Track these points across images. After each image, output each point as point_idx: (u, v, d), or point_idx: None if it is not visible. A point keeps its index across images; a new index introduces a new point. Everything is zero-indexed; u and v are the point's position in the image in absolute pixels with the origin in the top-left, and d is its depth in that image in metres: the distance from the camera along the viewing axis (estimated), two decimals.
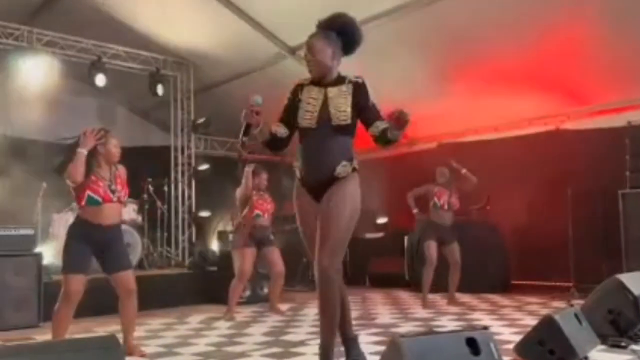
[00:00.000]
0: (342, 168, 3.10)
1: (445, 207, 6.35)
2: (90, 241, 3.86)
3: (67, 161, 3.86)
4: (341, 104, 3.11)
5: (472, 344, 2.73)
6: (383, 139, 3.12)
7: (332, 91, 3.15)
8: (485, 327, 2.85)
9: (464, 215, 7.33)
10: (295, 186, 3.23)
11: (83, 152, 3.80)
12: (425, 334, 3.05)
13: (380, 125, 3.11)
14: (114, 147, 4.00)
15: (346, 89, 3.15)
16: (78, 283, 3.78)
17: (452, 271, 6.35)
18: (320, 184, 3.10)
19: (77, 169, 3.77)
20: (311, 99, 3.15)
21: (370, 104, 3.15)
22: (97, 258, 3.97)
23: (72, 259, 3.84)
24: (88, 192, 3.84)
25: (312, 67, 3.17)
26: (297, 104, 3.19)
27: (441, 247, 6.33)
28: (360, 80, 3.18)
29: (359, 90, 3.15)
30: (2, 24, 7.58)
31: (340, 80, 3.19)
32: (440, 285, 6.55)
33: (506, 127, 8.03)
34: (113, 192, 3.92)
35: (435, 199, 6.38)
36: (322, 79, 3.19)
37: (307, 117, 3.13)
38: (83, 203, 3.86)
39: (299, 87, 3.23)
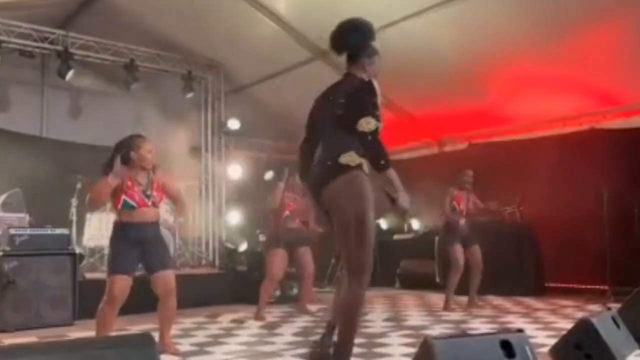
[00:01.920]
0: None
1: (464, 212, 6.32)
2: (133, 241, 3.93)
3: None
4: None
5: (507, 347, 2.68)
6: None
7: None
8: (520, 330, 2.80)
9: (496, 216, 7.24)
10: (365, 179, 3.07)
11: (111, 183, 3.84)
12: (458, 336, 3.01)
13: None
14: (147, 153, 4.02)
15: None
16: (123, 285, 3.84)
17: (473, 274, 6.28)
18: None
19: (100, 196, 3.89)
20: None
21: None
22: (139, 258, 4.03)
23: (117, 261, 3.91)
24: (124, 197, 3.93)
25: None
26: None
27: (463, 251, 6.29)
28: None
29: None
30: (37, 28, 7.75)
31: None
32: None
33: (539, 127, 7.89)
34: (148, 197, 3.99)
35: (455, 204, 6.34)
36: None
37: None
38: (119, 207, 3.95)
39: None
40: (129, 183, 3.96)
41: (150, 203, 3.99)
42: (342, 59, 8.27)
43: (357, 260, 3.00)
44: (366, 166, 3.08)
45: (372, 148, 3.01)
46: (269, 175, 9.93)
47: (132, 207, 3.93)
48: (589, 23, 6.05)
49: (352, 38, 3.27)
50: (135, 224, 3.93)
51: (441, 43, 7.01)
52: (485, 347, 2.70)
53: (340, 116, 3.12)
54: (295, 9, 7.42)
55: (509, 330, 2.88)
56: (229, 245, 8.16)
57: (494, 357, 2.67)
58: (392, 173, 3.04)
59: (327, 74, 8.33)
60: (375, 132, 2.99)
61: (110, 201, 4.08)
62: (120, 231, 3.95)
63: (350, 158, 3.03)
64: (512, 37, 6.48)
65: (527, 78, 6.96)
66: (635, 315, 3.86)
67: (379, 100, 3.09)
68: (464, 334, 3.54)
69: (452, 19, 6.58)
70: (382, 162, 3.01)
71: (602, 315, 3.41)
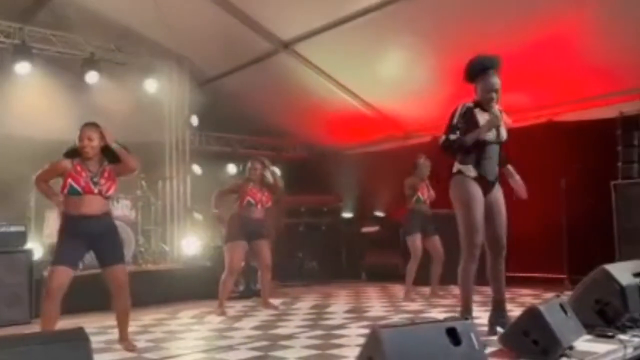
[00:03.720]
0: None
1: (427, 201, 6.45)
2: (80, 234, 3.87)
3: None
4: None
5: (453, 334, 2.73)
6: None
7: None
8: (466, 318, 2.85)
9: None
10: (462, 181, 4.03)
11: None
12: (406, 325, 3.05)
13: None
14: (87, 141, 3.93)
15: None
16: (61, 276, 3.78)
17: (435, 264, 6.38)
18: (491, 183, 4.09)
19: (39, 183, 4.04)
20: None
21: None
22: (93, 251, 3.99)
23: (59, 253, 3.87)
24: (69, 181, 3.88)
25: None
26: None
27: (423, 241, 6.38)
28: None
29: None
30: None
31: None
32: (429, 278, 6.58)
33: None
34: (95, 184, 3.92)
35: (419, 194, 6.44)
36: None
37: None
38: (65, 191, 3.90)
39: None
40: (78, 168, 3.91)
41: (96, 190, 3.93)
42: (305, 51, 8.33)
43: (463, 240, 4.06)
44: (470, 170, 4.00)
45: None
46: (232, 169, 9.91)
47: (78, 193, 3.87)
48: (545, 16, 6.13)
49: (468, 71, 4.14)
50: (85, 217, 3.87)
51: (401, 36, 7.05)
52: (432, 335, 2.74)
53: None
54: (258, 2, 7.36)
55: (455, 318, 2.93)
56: (189, 251, 8.11)
57: (440, 345, 2.72)
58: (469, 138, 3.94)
59: (292, 66, 8.33)
60: (443, 142, 3.99)
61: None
62: (68, 223, 3.90)
63: (455, 167, 4.07)
64: (469, 30, 6.54)
65: None
66: (585, 302, 3.97)
67: (455, 119, 4.00)
68: (411, 323, 3.58)
69: (412, 13, 6.61)
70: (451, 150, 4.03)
71: (550, 302, 3.49)
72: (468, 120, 3.98)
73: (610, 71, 6.59)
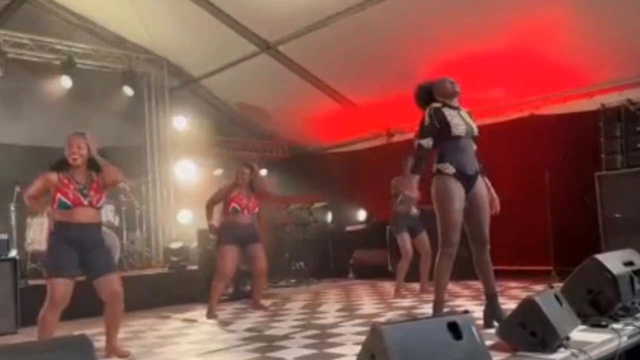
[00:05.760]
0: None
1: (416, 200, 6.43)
2: (72, 242, 3.79)
3: None
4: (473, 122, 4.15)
5: (454, 329, 2.72)
6: None
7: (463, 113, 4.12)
8: (466, 311, 2.85)
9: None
10: (440, 180, 4.02)
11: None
12: (407, 320, 3.03)
13: None
14: (77, 149, 3.85)
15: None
16: (64, 287, 3.71)
17: (423, 261, 6.40)
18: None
19: (30, 201, 3.94)
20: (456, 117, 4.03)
21: None
22: (80, 262, 3.89)
23: (56, 263, 3.78)
24: (58, 195, 3.81)
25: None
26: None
27: (411, 239, 6.39)
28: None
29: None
30: None
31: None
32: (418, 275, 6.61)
33: (481, 115, 8.00)
34: (85, 196, 3.85)
35: (407, 192, 6.41)
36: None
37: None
38: (55, 206, 3.82)
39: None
40: (65, 181, 3.82)
41: (86, 202, 3.85)
42: (288, 51, 8.35)
43: (440, 238, 4.05)
44: (448, 168, 3.98)
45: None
46: (218, 171, 9.83)
47: (67, 207, 3.79)
48: (526, 9, 6.18)
49: (418, 98, 4.24)
50: (74, 225, 3.80)
51: (383, 35, 7.06)
52: (433, 329, 2.73)
53: None
54: (240, 3, 7.31)
55: (455, 312, 2.93)
56: (172, 247, 8.00)
57: (442, 339, 2.70)
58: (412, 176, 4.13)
59: (274, 67, 8.29)
60: (417, 148, 4.02)
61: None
62: (59, 231, 3.81)
63: (434, 167, 4.07)
64: (448, 25, 6.57)
65: (466, 66, 7.06)
66: (577, 292, 4.00)
67: (426, 122, 4.00)
68: (412, 319, 3.58)
69: (394, 12, 6.62)
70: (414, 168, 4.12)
71: (545, 293, 3.50)
72: (439, 120, 3.97)
73: (591, 64, 6.68)
